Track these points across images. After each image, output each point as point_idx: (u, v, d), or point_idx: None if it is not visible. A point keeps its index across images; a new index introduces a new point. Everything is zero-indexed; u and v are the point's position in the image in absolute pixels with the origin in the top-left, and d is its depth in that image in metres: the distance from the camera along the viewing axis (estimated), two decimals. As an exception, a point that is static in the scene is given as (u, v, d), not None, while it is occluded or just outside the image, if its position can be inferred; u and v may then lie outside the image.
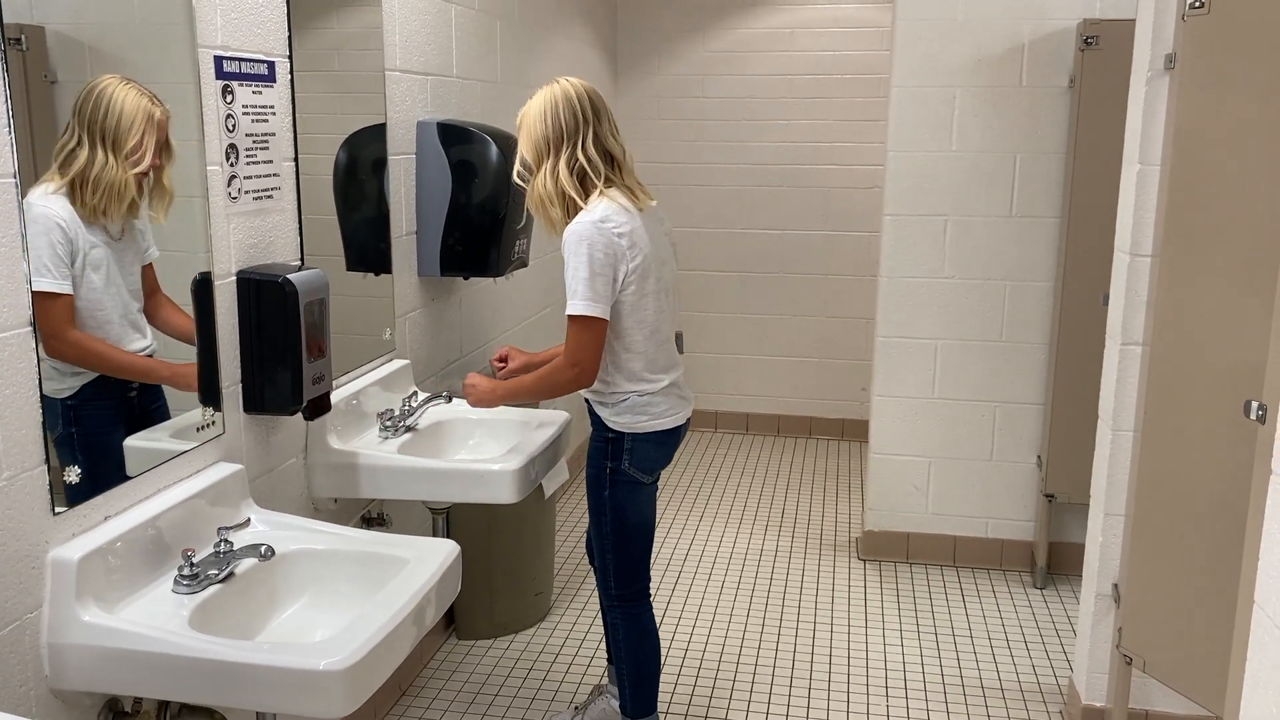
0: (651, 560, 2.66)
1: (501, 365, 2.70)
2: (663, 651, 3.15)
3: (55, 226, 1.64)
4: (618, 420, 2.48)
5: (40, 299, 1.61)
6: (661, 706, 2.93)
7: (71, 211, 1.66)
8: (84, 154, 1.67)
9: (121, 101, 1.74)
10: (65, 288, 1.66)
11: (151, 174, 1.83)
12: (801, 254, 5.47)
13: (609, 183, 2.39)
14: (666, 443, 2.53)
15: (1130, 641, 2.57)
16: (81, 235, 1.68)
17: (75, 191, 1.67)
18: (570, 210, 2.38)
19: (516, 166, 2.47)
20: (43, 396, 1.63)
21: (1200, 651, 2.36)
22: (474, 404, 2.57)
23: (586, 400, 2.55)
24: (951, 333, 3.85)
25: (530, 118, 2.41)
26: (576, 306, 2.31)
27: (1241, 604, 1.65)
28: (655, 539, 2.80)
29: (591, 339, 2.33)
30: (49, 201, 1.63)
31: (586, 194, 2.37)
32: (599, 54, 5.10)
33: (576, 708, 2.92)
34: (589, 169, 2.37)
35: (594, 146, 2.38)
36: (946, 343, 3.86)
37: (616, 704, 2.76)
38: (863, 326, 5.37)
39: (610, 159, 2.40)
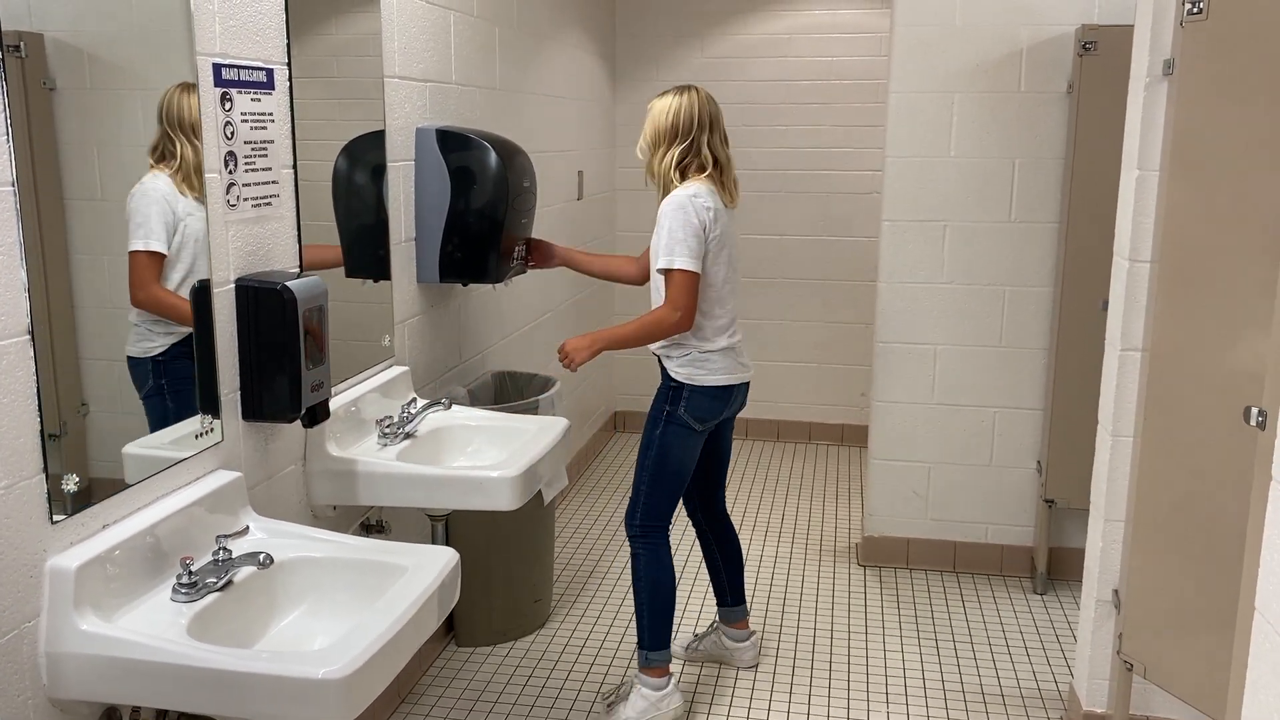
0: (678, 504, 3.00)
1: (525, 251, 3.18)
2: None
3: (161, 199, 1.94)
4: (679, 371, 2.88)
5: (132, 256, 1.89)
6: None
7: (172, 186, 1.96)
8: (182, 147, 1.98)
9: (194, 103, 2.01)
10: (161, 248, 1.95)
11: None
12: (800, 259, 5.48)
13: (709, 178, 2.85)
14: (720, 398, 2.91)
15: (1131, 647, 2.57)
16: (187, 209, 2.00)
17: (179, 176, 1.98)
18: (665, 190, 2.86)
19: (640, 142, 2.95)
20: (130, 359, 1.89)
21: (1201, 657, 2.36)
22: (571, 358, 2.88)
23: (655, 353, 2.95)
24: (951, 338, 3.85)
25: (657, 110, 2.90)
26: (682, 262, 2.74)
27: (1242, 610, 1.65)
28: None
29: (691, 288, 2.76)
30: (156, 180, 1.93)
31: (684, 179, 2.84)
32: (597, 60, 5.11)
33: (604, 695, 3.09)
34: (695, 163, 2.85)
35: (706, 148, 2.86)
36: (946, 348, 3.86)
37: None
38: (861, 331, 5.37)
39: (715, 162, 2.88)
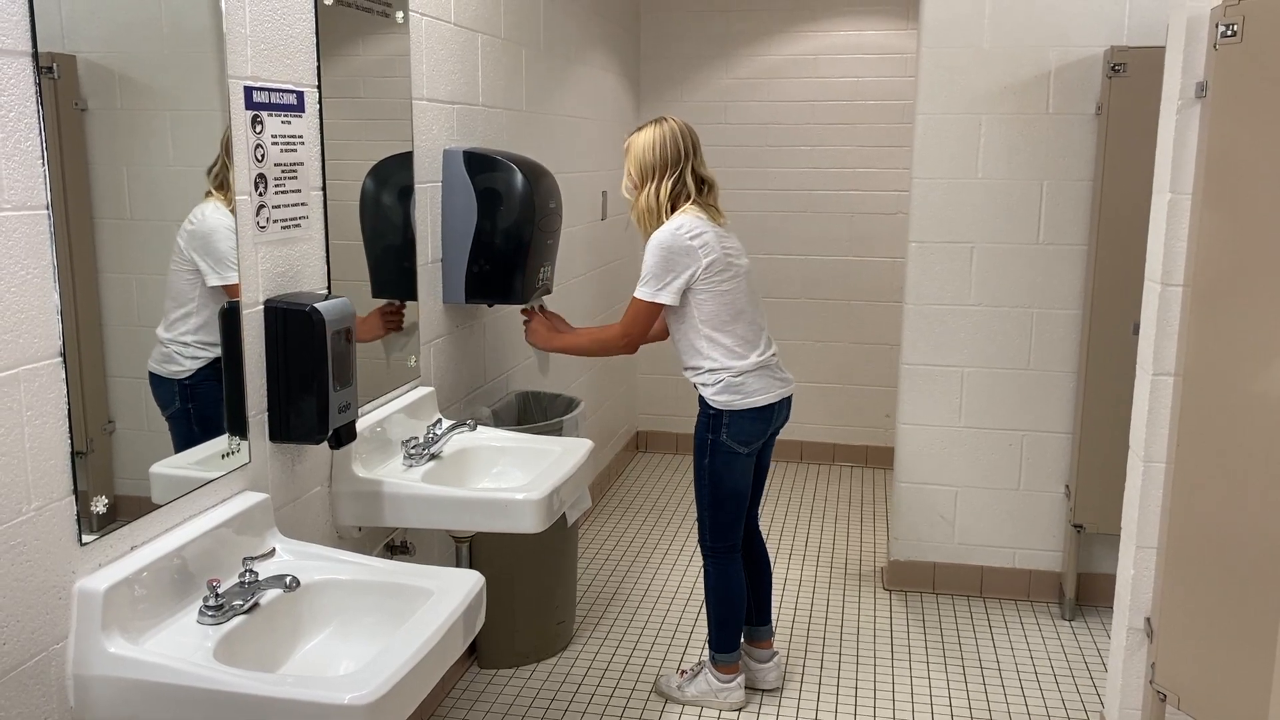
0: (741, 521, 3.06)
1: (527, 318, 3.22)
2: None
3: (229, 232, 2.03)
4: (718, 399, 2.91)
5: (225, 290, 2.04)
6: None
7: (232, 219, 2.04)
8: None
9: None
10: (234, 279, 2.06)
11: None
12: (825, 279, 5.46)
13: (695, 204, 2.90)
14: (762, 419, 2.94)
15: (1164, 677, 2.52)
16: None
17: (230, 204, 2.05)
18: (659, 223, 2.90)
19: (625, 182, 3.01)
20: (153, 376, 1.90)
21: (1237, 688, 2.31)
22: (531, 340, 3.15)
23: (693, 383, 2.99)
24: (978, 360, 3.82)
25: (638, 146, 2.95)
26: (641, 292, 2.87)
27: (1282, 643, 1.61)
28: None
29: (644, 318, 2.90)
30: (219, 212, 2.01)
31: (674, 210, 2.89)
32: (622, 81, 5.12)
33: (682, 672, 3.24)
34: (683, 192, 2.90)
35: (691, 175, 2.91)
36: (973, 370, 3.83)
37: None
38: (886, 352, 5.34)
39: (701, 184, 2.93)
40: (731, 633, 3.10)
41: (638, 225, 2.98)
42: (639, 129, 2.99)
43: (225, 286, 2.04)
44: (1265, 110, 2.23)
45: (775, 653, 3.26)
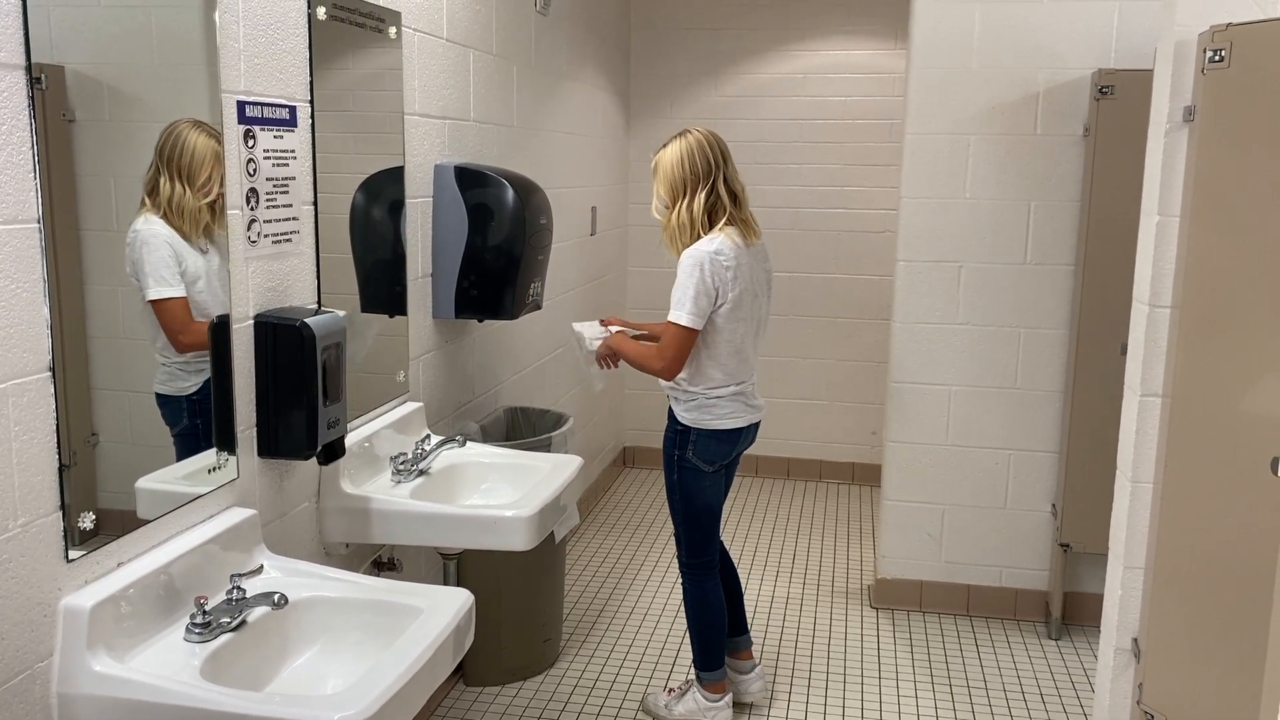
0: (719, 534, 3.11)
1: (605, 325, 3.12)
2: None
3: (164, 244, 1.91)
4: (686, 416, 2.92)
5: (161, 304, 1.90)
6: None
7: (170, 231, 1.92)
8: (165, 185, 1.91)
9: (194, 142, 1.96)
10: (181, 291, 1.95)
11: (220, 201, 2.03)
12: (812, 297, 5.47)
13: (730, 219, 2.83)
14: (728, 440, 2.94)
15: (1152, 698, 2.53)
16: (183, 250, 1.95)
17: (166, 216, 1.92)
18: (695, 238, 2.82)
19: (655, 202, 2.93)
20: (160, 396, 1.90)
21: (1224, 709, 2.32)
22: (609, 359, 3.06)
23: (667, 393, 2.98)
24: (965, 379, 3.83)
25: (665, 163, 2.87)
26: (680, 317, 2.77)
27: (1270, 664, 1.62)
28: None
29: (683, 344, 2.80)
30: (152, 224, 1.89)
31: (712, 225, 2.82)
32: (612, 98, 5.14)
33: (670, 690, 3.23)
34: (719, 204, 2.82)
35: (724, 186, 2.83)
36: (960, 389, 3.84)
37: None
38: (872, 370, 5.36)
39: (734, 196, 2.85)
40: (715, 651, 3.09)
41: (669, 245, 2.89)
42: (664, 145, 2.91)
43: (155, 302, 1.90)
44: (1252, 134, 2.25)
45: (756, 663, 3.26)
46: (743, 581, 4.14)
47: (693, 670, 3.17)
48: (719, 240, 2.78)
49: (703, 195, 2.81)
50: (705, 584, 3.06)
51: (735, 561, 3.71)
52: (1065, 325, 3.73)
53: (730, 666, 3.22)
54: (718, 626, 3.08)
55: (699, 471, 2.95)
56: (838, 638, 3.74)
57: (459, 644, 1.88)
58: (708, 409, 2.90)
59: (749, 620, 3.37)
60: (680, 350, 2.79)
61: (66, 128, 1.66)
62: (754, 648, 3.37)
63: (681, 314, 2.76)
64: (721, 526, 3.23)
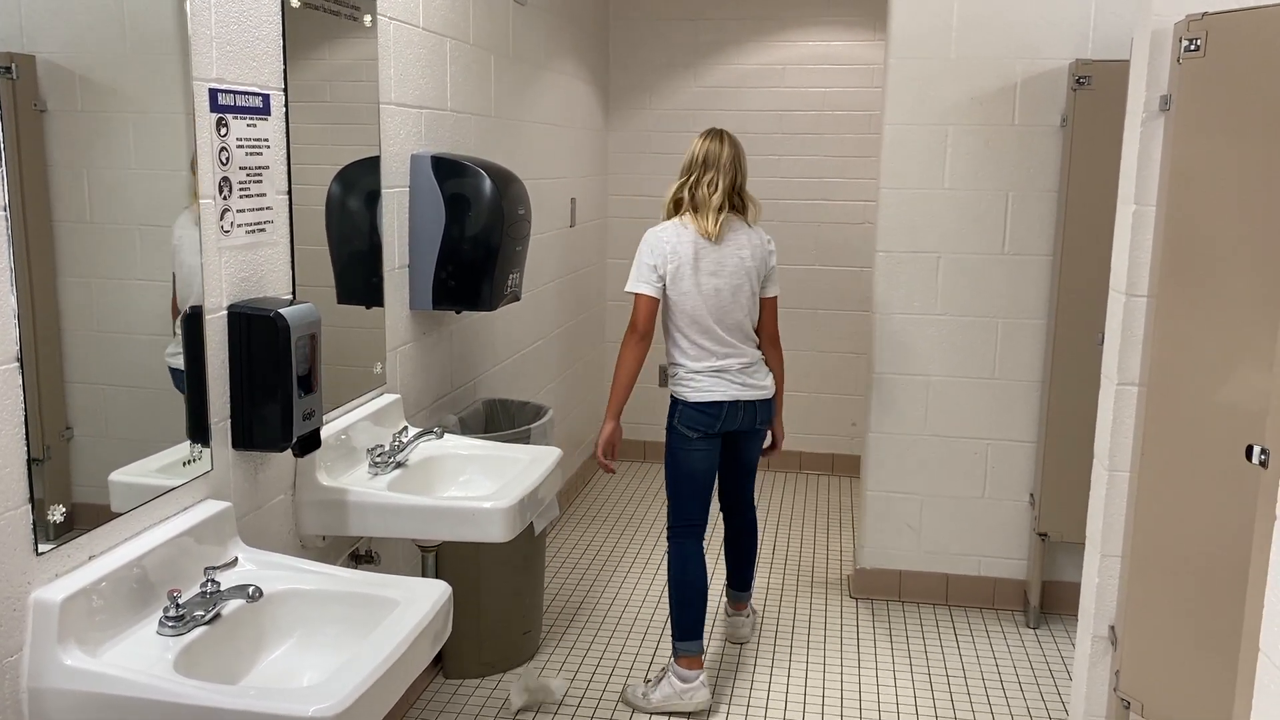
0: (709, 506, 3.28)
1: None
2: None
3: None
4: (674, 388, 3.22)
5: None
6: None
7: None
8: None
9: None
10: None
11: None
12: (791, 288, 5.45)
13: (690, 214, 3.15)
14: (708, 413, 3.15)
15: (1128, 685, 2.54)
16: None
17: None
18: (668, 218, 3.21)
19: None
20: (175, 370, 1.95)
21: (1200, 695, 2.33)
22: (603, 460, 3.26)
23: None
24: (944, 369, 3.84)
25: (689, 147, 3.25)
26: (631, 285, 3.13)
27: (1245, 651, 1.63)
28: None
29: (637, 307, 3.11)
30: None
31: (678, 211, 3.19)
32: (591, 89, 5.12)
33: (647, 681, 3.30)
34: (684, 199, 3.18)
35: (700, 188, 3.16)
36: (939, 379, 3.85)
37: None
38: (852, 361, 5.36)
39: (694, 199, 3.16)
40: (688, 619, 3.17)
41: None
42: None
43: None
44: (1227, 123, 2.25)
45: (751, 613, 3.62)
46: (722, 571, 4.16)
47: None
48: (670, 224, 3.16)
49: (674, 188, 3.21)
50: (685, 548, 3.20)
51: (719, 552, 3.75)
52: (1043, 315, 3.74)
53: (726, 615, 3.61)
54: (692, 594, 3.18)
55: (684, 438, 3.17)
56: (817, 627, 3.75)
57: (437, 636, 1.87)
58: (685, 383, 3.17)
59: (712, 620, 3.51)
60: (641, 312, 3.11)
61: (38, 118, 1.64)
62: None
63: (633, 283, 3.14)
64: (755, 498, 3.57)
